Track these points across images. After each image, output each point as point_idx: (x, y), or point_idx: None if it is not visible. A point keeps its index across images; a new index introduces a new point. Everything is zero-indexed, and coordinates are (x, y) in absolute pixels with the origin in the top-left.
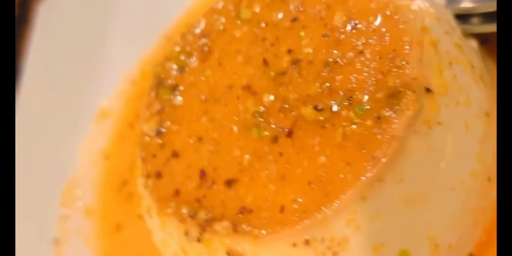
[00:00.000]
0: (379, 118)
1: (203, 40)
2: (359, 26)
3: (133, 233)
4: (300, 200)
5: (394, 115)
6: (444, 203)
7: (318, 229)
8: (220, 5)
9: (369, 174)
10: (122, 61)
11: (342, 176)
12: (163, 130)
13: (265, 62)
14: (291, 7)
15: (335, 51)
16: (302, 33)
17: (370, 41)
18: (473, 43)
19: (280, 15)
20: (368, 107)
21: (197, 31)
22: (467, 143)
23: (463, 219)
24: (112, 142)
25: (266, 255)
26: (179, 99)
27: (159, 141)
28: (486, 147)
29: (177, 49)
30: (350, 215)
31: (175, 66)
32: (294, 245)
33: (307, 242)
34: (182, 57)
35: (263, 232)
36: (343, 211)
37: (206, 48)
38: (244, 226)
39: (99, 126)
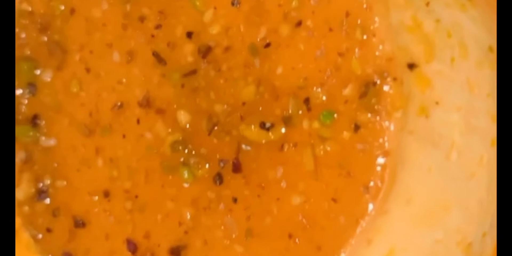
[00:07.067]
0: (357, 126)
1: (46, 34)
2: None
3: None
4: None
5: (377, 118)
6: (466, 199)
7: None
8: None
9: (368, 212)
10: None
11: (331, 219)
12: (46, 189)
13: (157, 57)
14: None
15: (259, 27)
16: (197, 2)
17: (308, 3)
18: None
19: None
20: (336, 112)
21: (31, 18)
22: (476, 108)
23: (492, 199)
24: None
25: None
26: (48, 137)
27: (47, 207)
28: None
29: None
30: None
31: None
32: None
33: None
34: (25, 67)
35: None
36: None
37: (55, 47)
38: None
39: None
